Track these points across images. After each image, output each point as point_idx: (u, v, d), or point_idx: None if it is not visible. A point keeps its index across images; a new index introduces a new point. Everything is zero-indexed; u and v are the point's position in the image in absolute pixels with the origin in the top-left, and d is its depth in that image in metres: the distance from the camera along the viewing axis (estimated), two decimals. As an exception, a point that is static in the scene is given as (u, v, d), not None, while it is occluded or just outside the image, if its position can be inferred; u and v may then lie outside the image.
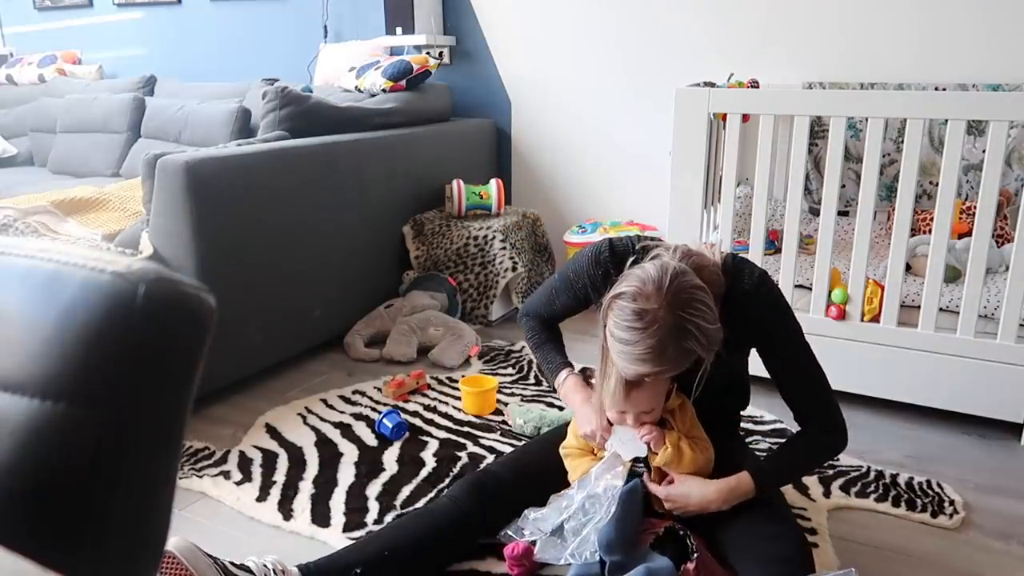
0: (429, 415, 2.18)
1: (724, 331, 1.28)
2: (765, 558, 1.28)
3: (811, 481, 1.81)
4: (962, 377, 2.04)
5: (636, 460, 1.45)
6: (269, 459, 1.94)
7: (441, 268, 2.94)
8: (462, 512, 1.46)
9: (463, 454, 1.96)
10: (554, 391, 1.59)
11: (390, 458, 1.94)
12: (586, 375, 1.59)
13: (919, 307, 2.07)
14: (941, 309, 2.07)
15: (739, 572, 1.32)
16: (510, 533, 1.47)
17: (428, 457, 1.94)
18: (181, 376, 0.50)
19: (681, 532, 1.40)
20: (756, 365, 1.61)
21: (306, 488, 1.81)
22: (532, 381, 2.42)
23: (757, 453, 1.77)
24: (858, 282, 2.11)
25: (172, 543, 1.29)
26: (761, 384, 1.88)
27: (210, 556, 1.30)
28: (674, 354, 1.23)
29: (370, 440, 2.03)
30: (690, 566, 1.33)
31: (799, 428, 1.48)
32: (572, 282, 1.51)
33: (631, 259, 1.36)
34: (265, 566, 1.34)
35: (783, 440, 1.51)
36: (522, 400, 2.26)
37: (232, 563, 1.32)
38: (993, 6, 2.47)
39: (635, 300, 1.22)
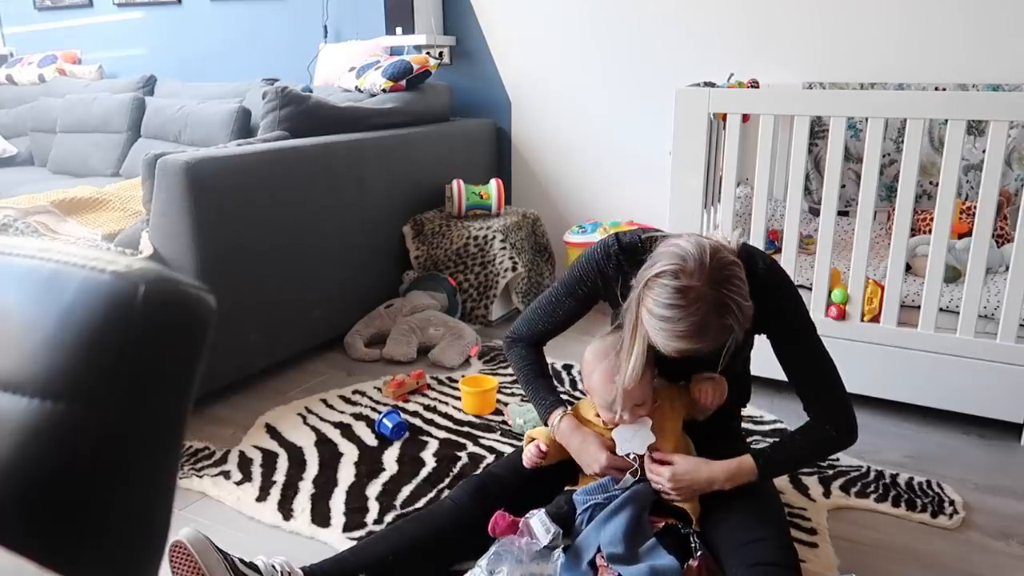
0: (429, 415, 2.18)
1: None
2: (753, 561, 1.28)
3: (811, 481, 1.82)
4: (962, 377, 2.03)
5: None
6: (269, 459, 1.94)
7: (441, 268, 2.94)
8: (464, 514, 1.46)
9: (463, 454, 1.96)
10: (545, 424, 1.57)
11: (390, 458, 1.94)
12: (576, 412, 1.57)
13: (919, 307, 2.07)
14: (941, 309, 2.07)
15: (726, 573, 1.33)
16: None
17: (428, 457, 1.94)
18: (181, 376, 0.50)
19: (684, 531, 1.40)
20: (757, 364, 1.61)
21: (306, 488, 1.81)
22: (532, 381, 2.42)
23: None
24: (858, 282, 2.11)
25: (185, 533, 1.29)
26: (761, 384, 1.89)
27: (221, 551, 1.30)
28: (715, 330, 1.24)
29: (370, 440, 2.03)
30: (694, 563, 1.33)
31: (809, 420, 1.46)
32: (579, 282, 1.49)
33: (640, 248, 1.39)
34: (273, 567, 1.34)
35: (790, 431, 1.49)
36: (522, 400, 2.26)
37: (242, 560, 1.32)
38: (993, 6, 2.47)
39: (677, 277, 1.22)
